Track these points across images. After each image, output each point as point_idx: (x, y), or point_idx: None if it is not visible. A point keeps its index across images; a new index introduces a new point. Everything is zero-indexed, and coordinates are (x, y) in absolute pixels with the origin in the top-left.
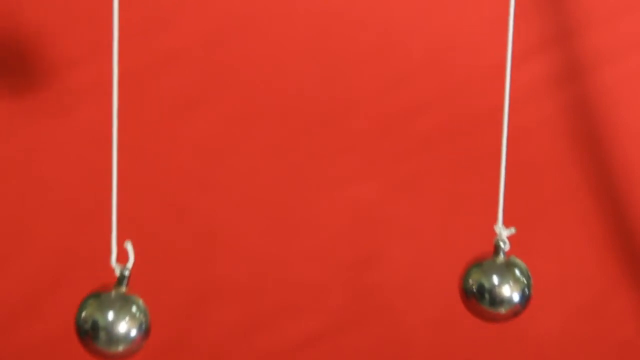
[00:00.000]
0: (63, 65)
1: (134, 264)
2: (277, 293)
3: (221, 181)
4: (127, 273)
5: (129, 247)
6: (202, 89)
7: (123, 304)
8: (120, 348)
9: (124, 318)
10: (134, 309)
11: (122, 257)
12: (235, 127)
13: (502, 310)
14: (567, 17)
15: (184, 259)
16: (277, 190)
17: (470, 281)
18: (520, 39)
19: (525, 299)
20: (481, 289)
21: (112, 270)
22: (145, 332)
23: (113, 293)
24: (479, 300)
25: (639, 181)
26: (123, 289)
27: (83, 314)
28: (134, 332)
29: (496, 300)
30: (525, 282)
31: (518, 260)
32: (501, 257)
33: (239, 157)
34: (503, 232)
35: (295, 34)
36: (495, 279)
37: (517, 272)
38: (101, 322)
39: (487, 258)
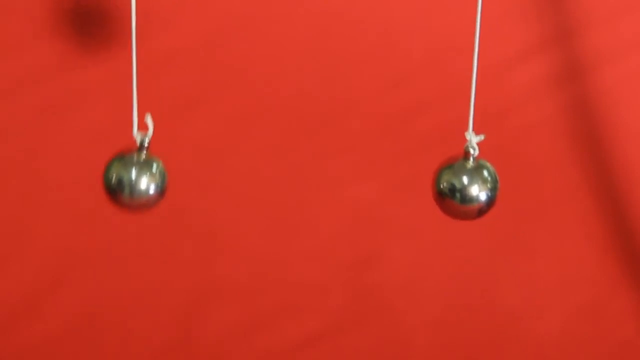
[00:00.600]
0: (63, 65)
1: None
2: (277, 293)
3: (221, 181)
4: (147, 141)
5: (148, 119)
6: (202, 89)
7: (144, 164)
8: (143, 200)
9: (146, 174)
10: (154, 168)
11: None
12: (235, 127)
13: (471, 206)
14: (567, 17)
15: (184, 259)
16: (277, 190)
17: (443, 182)
18: (520, 39)
19: (490, 199)
20: (452, 188)
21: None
22: (163, 189)
23: (135, 155)
24: (451, 197)
25: (639, 181)
26: (143, 153)
27: (110, 172)
28: (152, 189)
29: (466, 198)
30: (491, 184)
31: (487, 164)
32: (471, 162)
33: (239, 157)
34: (473, 139)
35: (295, 34)
36: (465, 180)
37: (485, 173)
38: (126, 179)
39: (458, 161)
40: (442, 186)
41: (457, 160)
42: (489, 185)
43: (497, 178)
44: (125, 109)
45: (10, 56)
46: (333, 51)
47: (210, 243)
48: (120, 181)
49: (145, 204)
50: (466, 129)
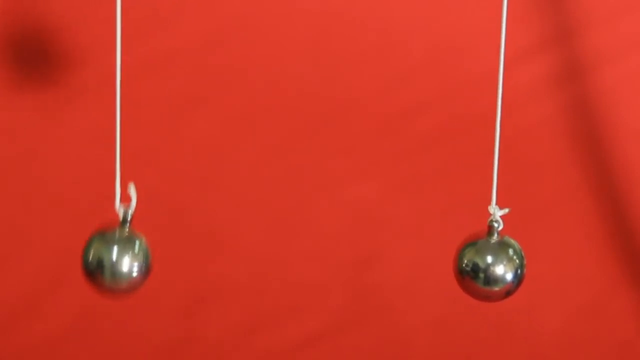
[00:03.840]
0: (63, 65)
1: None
2: (277, 293)
3: (221, 181)
4: (130, 215)
5: (132, 190)
6: (202, 89)
7: (126, 242)
8: (124, 284)
9: (127, 255)
10: (136, 247)
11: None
12: (235, 127)
13: (496, 288)
14: (567, 17)
15: (184, 259)
16: (277, 190)
17: (465, 260)
18: (520, 39)
19: (518, 278)
20: (475, 268)
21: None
22: (147, 269)
23: (117, 232)
24: (473, 278)
25: (639, 181)
26: (126, 229)
27: (90, 253)
28: (136, 269)
29: (490, 279)
30: (518, 261)
31: (512, 240)
32: (495, 237)
33: (239, 157)
34: (497, 212)
35: (296, 34)
36: (489, 259)
37: (511, 251)
38: (106, 260)
39: (481, 238)
40: (464, 265)
41: (480, 237)
42: (515, 263)
43: (523, 255)
44: (125, 109)
45: (10, 56)
46: (333, 51)
47: (210, 243)
48: (100, 262)
49: (127, 287)
50: (465, 128)
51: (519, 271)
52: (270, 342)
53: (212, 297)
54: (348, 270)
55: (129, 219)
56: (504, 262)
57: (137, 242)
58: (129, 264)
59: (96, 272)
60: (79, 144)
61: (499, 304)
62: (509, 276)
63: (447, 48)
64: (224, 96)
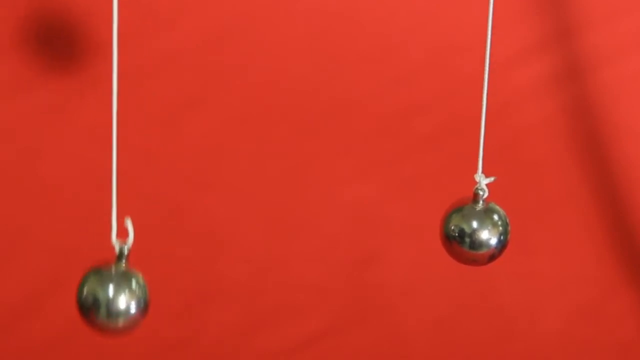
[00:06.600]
0: (64, 65)
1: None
2: (277, 293)
3: (221, 181)
4: (126, 250)
5: (128, 224)
6: (202, 89)
7: (123, 280)
8: (120, 323)
9: (124, 293)
10: (133, 284)
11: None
12: (235, 127)
13: (480, 252)
14: (567, 17)
15: (184, 259)
16: (277, 190)
17: (452, 226)
18: (520, 39)
19: (502, 244)
20: (462, 233)
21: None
22: (145, 307)
23: (113, 269)
24: (460, 243)
25: (639, 181)
26: (123, 265)
27: (84, 290)
28: (133, 307)
29: (475, 243)
30: (502, 228)
31: (497, 207)
32: (480, 204)
33: (239, 157)
34: (482, 181)
35: (296, 34)
36: (474, 224)
37: (496, 217)
38: (102, 298)
39: (467, 204)
40: (450, 230)
41: (466, 203)
42: (500, 230)
43: (508, 222)
44: (125, 109)
45: (10, 56)
46: (333, 51)
47: (210, 243)
48: (95, 299)
49: (124, 326)
50: (465, 128)
51: (502, 237)
52: (270, 342)
53: (212, 297)
54: (348, 270)
55: (125, 255)
56: (489, 228)
57: (134, 279)
58: (126, 301)
59: (92, 311)
60: (79, 144)
61: (499, 303)
62: (493, 241)
63: (446, 48)
64: (224, 96)
